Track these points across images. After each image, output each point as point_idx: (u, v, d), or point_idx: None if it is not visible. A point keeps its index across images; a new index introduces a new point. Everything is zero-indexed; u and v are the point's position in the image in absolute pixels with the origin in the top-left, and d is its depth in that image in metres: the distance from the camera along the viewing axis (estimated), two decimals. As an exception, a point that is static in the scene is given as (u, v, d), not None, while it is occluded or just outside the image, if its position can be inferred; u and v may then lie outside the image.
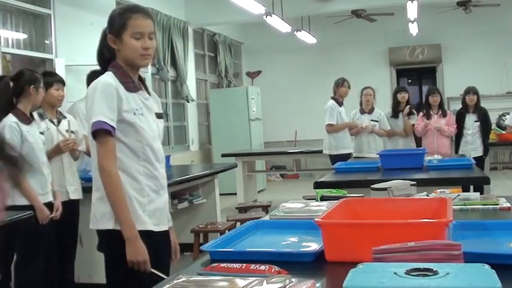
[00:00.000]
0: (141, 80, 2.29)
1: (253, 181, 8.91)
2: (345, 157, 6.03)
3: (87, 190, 3.69)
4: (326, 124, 6.34)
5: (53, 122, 3.88)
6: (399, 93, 6.60)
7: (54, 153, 3.76)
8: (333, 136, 6.36)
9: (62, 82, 3.92)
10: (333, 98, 6.44)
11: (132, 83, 2.17)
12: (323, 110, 6.44)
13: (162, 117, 2.32)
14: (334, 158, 6.10)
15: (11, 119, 3.38)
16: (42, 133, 3.60)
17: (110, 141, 2.07)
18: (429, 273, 1.11)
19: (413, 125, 6.46)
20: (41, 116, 3.83)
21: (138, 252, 2.05)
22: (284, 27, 8.76)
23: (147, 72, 8.12)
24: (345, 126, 6.35)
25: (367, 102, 6.52)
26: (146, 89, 2.27)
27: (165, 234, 2.26)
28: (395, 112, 6.58)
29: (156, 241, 2.16)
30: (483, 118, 6.57)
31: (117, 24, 2.12)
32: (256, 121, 10.24)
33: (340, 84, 6.40)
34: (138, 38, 2.11)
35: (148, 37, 2.13)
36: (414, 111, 6.72)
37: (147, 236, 2.10)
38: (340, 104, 6.41)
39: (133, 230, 2.05)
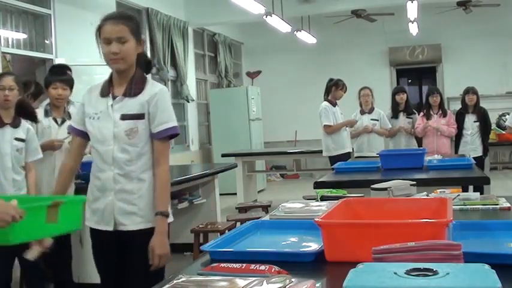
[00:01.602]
0: (132, 81, 2.30)
1: (253, 181, 8.91)
2: (344, 157, 6.02)
3: (83, 191, 3.68)
4: (323, 125, 6.28)
5: (56, 121, 3.87)
6: (397, 95, 6.60)
7: (46, 147, 3.75)
8: (331, 137, 6.32)
9: (62, 81, 3.87)
10: (326, 100, 6.40)
11: (105, 88, 2.33)
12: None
13: (133, 118, 2.26)
14: (334, 159, 6.09)
15: None
16: (22, 140, 3.47)
17: (73, 140, 2.45)
18: (429, 273, 1.11)
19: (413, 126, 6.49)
20: (46, 113, 3.83)
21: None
22: (284, 27, 8.76)
23: (147, 72, 8.12)
24: (342, 125, 6.33)
25: (366, 103, 6.52)
26: (130, 90, 2.28)
27: (109, 233, 2.31)
28: (395, 113, 6.58)
29: (94, 237, 2.41)
30: (483, 118, 6.57)
31: (96, 33, 2.28)
32: (256, 121, 10.24)
33: (340, 87, 6.35)
34: (107, 44, 2.23)
35: (119, 42, 2.22)
36: (415, 111, 6.74)
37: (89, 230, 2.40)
38: (334, 104, 6.38)
39: None
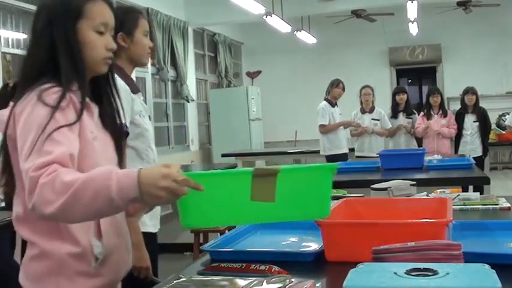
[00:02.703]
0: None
1: (253, 181, 8.89)
2: (340, 157, 6.01)
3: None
4: (318, 125, 6.32)
5: None
6: (397, 95, 6.60)
7: None
8: (326, 137, 6.34)
9: None
10: (325, 99, 6.42)
11: (134, 85, 2.18)
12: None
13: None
14: (329, 159, 6.10)
15: None
16: None
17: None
18: (429, 273, 1.11)
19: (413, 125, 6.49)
20: None
21: (143, 258, 1.98)
22: (284, 27, 8.76)
23: (147, 72, 8.13)
24: (337, 125, 6.33)
25: (367, 102, 6.51)
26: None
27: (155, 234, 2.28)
28: (395, 113, 6.58)
29: (154, 243, 2.20)
30: (482, 118, 6.58)
31: (130, 22, 2.14)
32: (256, 121, 10.24)
33: (335, 85, 6.36)
34: (147, 36, 2.17)
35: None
36: (414, 111, 6.74)
37: (148, 238, 2.06)
38: (333, 104, 6.39)
39: (139, 235, 1.93)
